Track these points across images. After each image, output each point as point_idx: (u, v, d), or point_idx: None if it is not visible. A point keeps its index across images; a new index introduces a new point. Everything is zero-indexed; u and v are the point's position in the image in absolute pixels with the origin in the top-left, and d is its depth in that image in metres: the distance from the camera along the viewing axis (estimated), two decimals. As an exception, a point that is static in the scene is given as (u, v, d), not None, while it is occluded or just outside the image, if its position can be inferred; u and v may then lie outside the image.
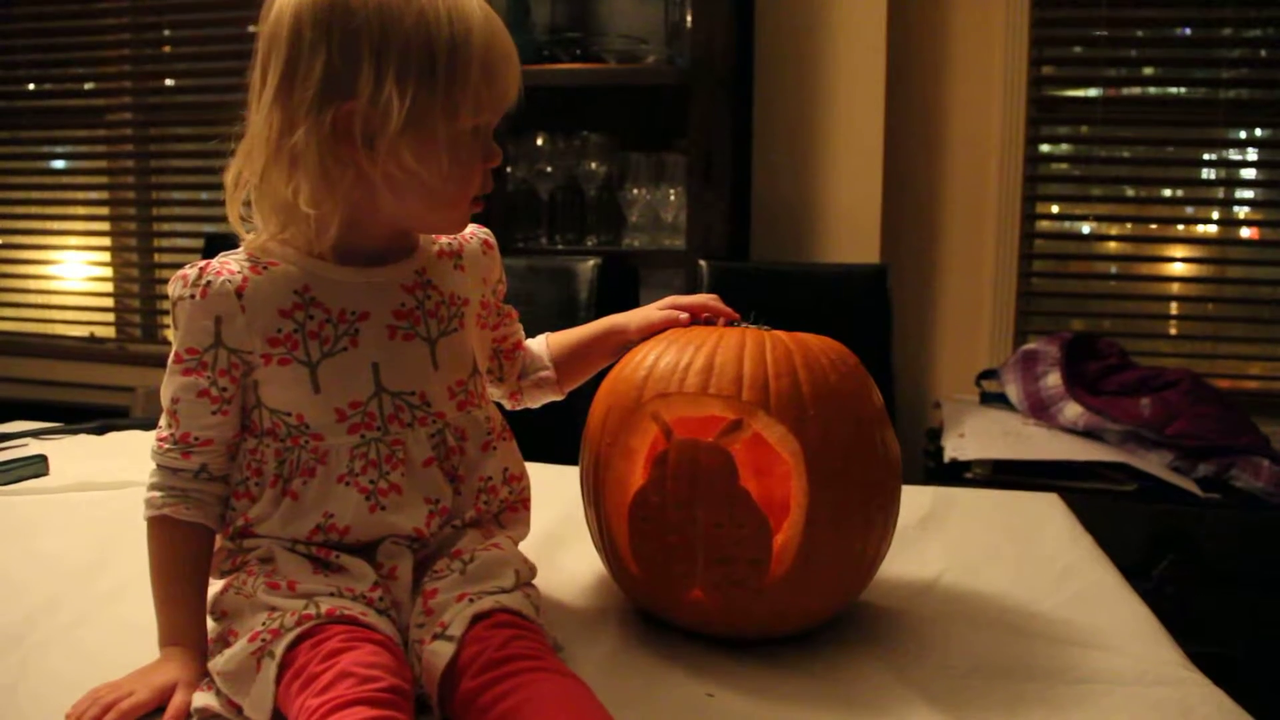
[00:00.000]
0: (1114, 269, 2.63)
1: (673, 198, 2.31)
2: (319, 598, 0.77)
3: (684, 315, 1.01)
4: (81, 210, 3.33)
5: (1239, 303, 2.55)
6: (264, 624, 0.75)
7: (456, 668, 0.73)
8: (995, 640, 0.91)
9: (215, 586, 0.87)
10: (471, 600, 0.78)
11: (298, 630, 0.73)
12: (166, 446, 0.85)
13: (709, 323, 1.02)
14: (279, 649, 0.73)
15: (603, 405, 0.94)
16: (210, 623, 0.84)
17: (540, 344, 1.07)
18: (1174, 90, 2.55)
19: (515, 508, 0.95)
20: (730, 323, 1.00)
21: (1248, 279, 2.55)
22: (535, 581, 0.89)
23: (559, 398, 1.08)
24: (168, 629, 0.82)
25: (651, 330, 1.00)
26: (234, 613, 0.81)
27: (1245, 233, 2.57)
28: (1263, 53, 2.50)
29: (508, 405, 1.06)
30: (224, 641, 0.79)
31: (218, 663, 0.76)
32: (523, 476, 0.96)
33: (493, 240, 0.99)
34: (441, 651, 0.74)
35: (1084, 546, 1.17)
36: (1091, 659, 0.87)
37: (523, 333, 1.06)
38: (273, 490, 0.84)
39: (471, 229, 0.97)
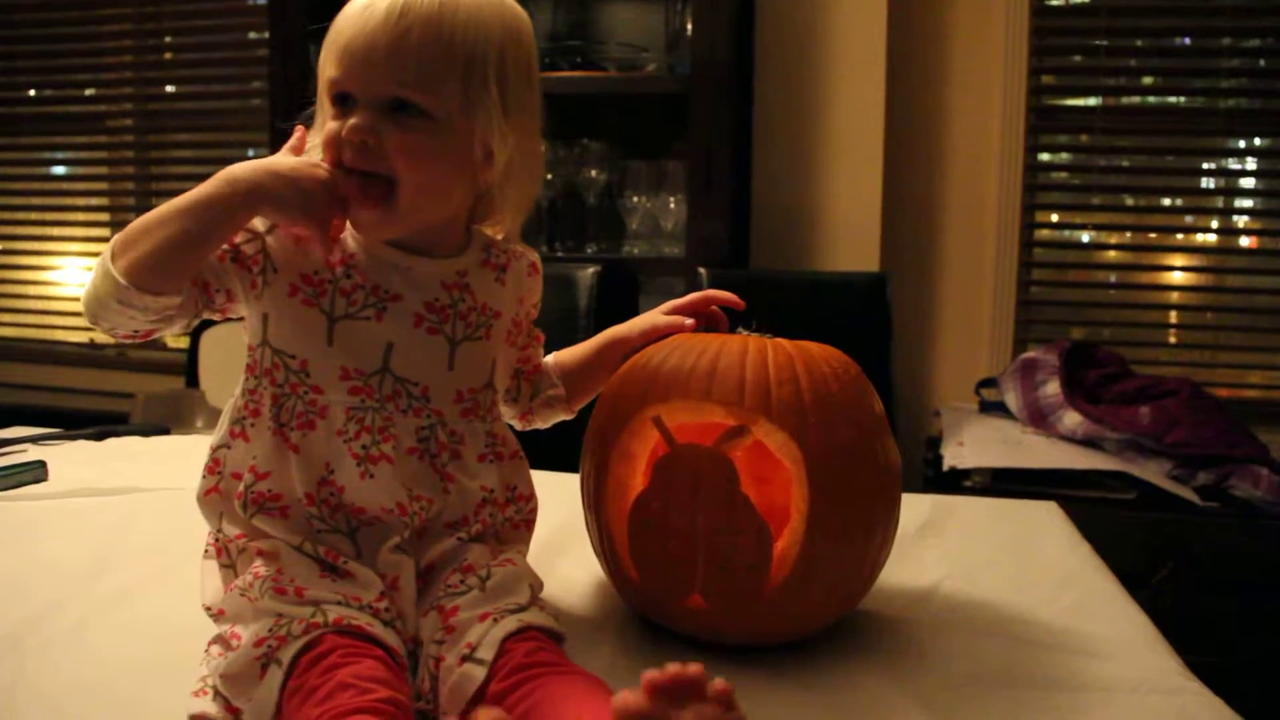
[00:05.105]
0: (1113, 278, 2.63)
1: (673, 205, 2.31)
2: (326, 606, 0.77)
3: (689, 321, 1.01)
4: (82, 216, 3.33)
5: (1238, 312, 2.55)
6: (270, 630, 0.75)
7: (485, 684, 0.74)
8: (994, 648, 0.91)
9: (217, 585, 0.87)
10: (496, 620, 0.78)
11: (304, 639, 0.73)
12: None
13: (712, 329, 1.02)
14: (286, 656, 0.72)
15: (604, 410, 0.94)
16: (212, 624, 0.84)
17: (547, 363, 1.07)
18: (1173, 100, 2.55)
19: (519, 525, 0.95)
20: (732, 328, 1.00)
21: (1247, 288, 2.55)
22: (535, 588, 0.89)
23: (569, 416, 1.08)
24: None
25: (656, 335, 1.00)
26: (236, 616, 0.81)
27: (1244, 242, 2.57)
28: (1262, 62, 2.51)
29: (518, 426, 1.05)
30: (226, 644, 0.79)
31: (220, 665, 0.76)
32: (532, 498, 0.96)
33: (539, 265, 1.00)
34: (474, 675, 0.74)
35: (1083, 555, 1.17)
36: (1090, 667, 0.87)
37: (542, 356, 1.06)
38: (274, 438, 0.84)
39: (523, 249, 0.98)
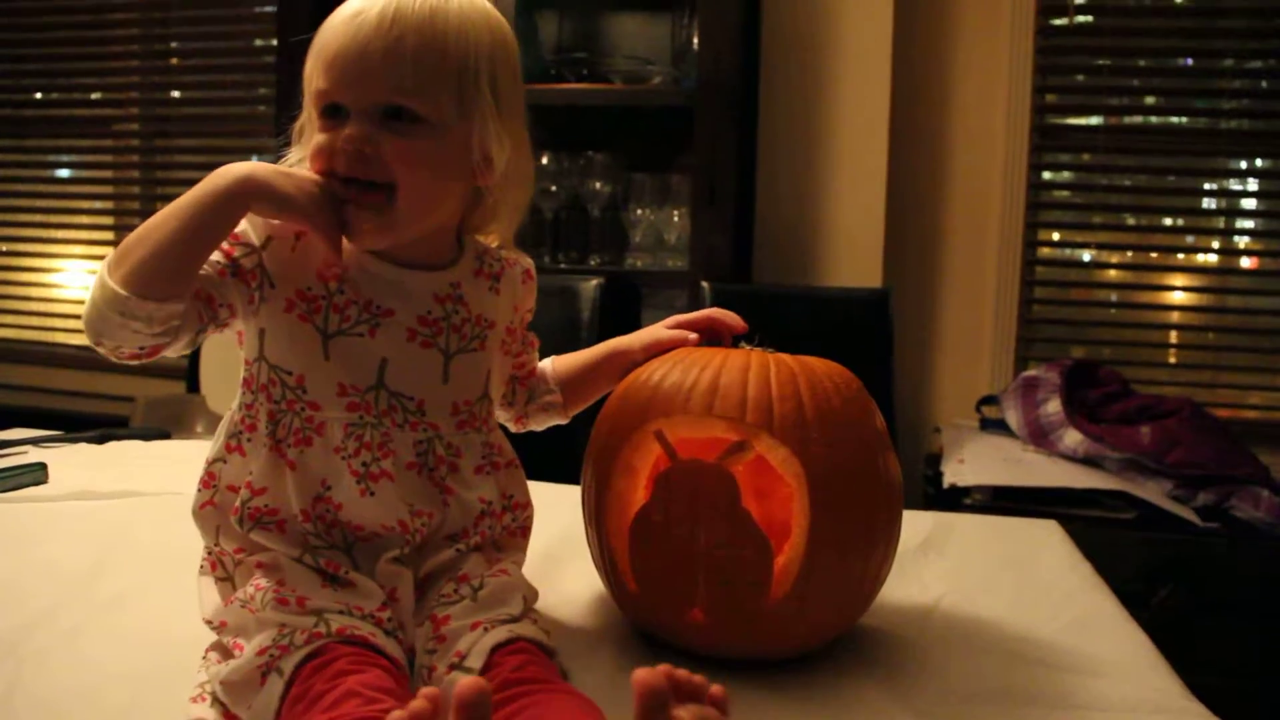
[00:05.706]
0: (1114, 297, 2.63)
1: (676, 218, 2.32)
2: (329, 615, 0.76)
3: (693, 335, 1.01)
4: (86, 219, 3.34)
5: (1239, 332, 2.55)
6: (274, 639, 0.74)
7: None
8: (994, 666, 0.91)
9: (215, 599, 0.86)
10: (486, 629, 0.78)
11: (307, 649, 0.73)
12: None
13: (715, 343, 1.02)
14: (287, 666, 0.72)
15: (606, 423, 0.94)
16: (213, 635, 0.83)
17: (545, 368, 1.07)
18: (1175, 120, 2.56)
19: (515, 534, 0.95)
20: (735, 343, 1.00)
21: (1248, 308, 2.55)
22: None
23: (564, 421, 1.08)
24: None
25: (658, 349, 1.00)
26: (239, 629, 0.80)
27: (1245, 262, 2.58)
28: (1263, 83, 2.52)
29: (512, 428, 1.06)
30: (225, 651, 0.79)
31: (220, 672, 0.76)
32: (528, 506, 0.96)
33: (534, 272, 1.00)
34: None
35: (1083, 574, 1.17)
36: (1090, 686, 0.87)
37: (538, 360, 1.06)
38: (271, 454, 0.83)
39: (516, 256, 0.98)
